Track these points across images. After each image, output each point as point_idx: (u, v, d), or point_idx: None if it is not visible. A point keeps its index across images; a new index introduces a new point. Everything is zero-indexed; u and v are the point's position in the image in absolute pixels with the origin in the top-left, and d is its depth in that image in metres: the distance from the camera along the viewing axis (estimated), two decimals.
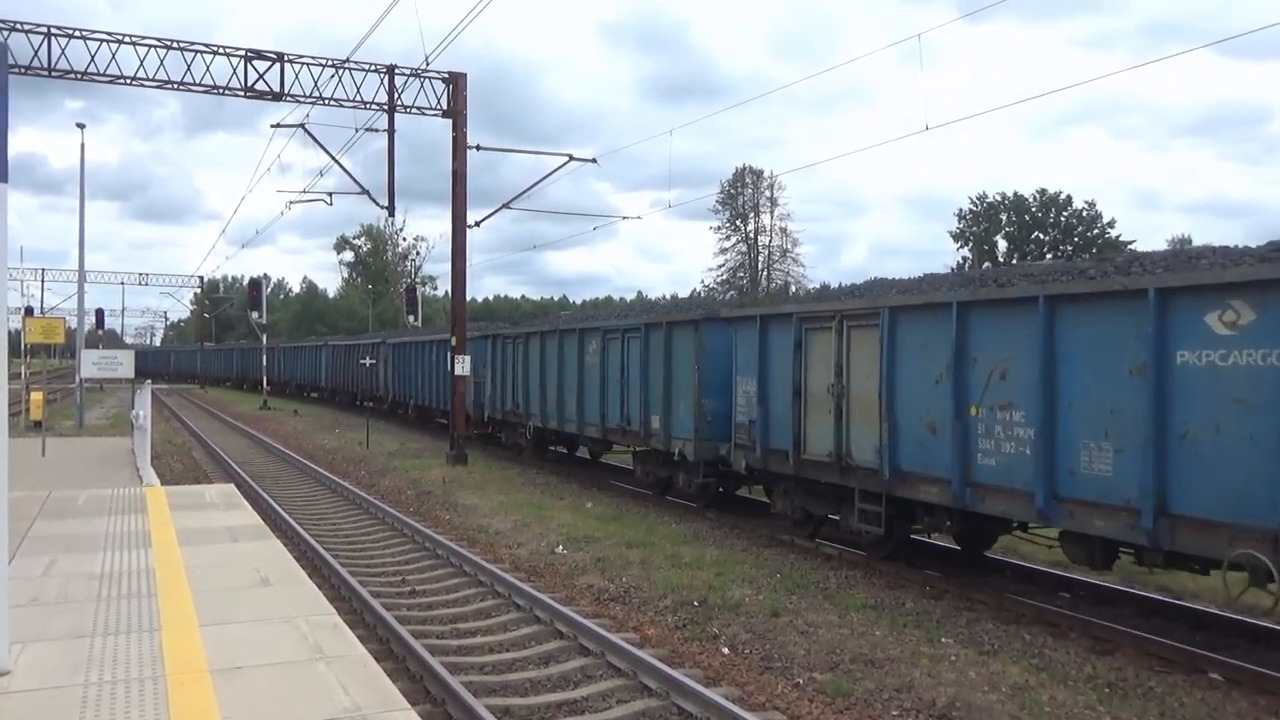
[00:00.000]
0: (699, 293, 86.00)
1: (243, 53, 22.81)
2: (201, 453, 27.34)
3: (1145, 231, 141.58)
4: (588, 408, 19.30)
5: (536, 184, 27.12)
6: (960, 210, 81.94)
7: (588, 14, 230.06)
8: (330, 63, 23.43)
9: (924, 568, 11.92)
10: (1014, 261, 75.61)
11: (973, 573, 11.72)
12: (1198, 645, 8.78)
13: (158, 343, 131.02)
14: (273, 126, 26.63)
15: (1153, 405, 8.30)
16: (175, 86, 22.47)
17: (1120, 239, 74.86)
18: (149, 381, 20.43)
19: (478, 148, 24.70)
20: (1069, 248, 74.73)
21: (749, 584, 11.14)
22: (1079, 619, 9.68)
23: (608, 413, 18.38)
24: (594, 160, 27.24)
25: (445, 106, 24.19)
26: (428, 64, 23.26)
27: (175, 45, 22.29)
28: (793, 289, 74.96)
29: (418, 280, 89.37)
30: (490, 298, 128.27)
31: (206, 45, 22.58)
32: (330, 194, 28.33)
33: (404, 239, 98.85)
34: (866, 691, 7.85)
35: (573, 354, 19.93)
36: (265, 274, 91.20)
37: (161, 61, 22.08)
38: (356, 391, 41.10)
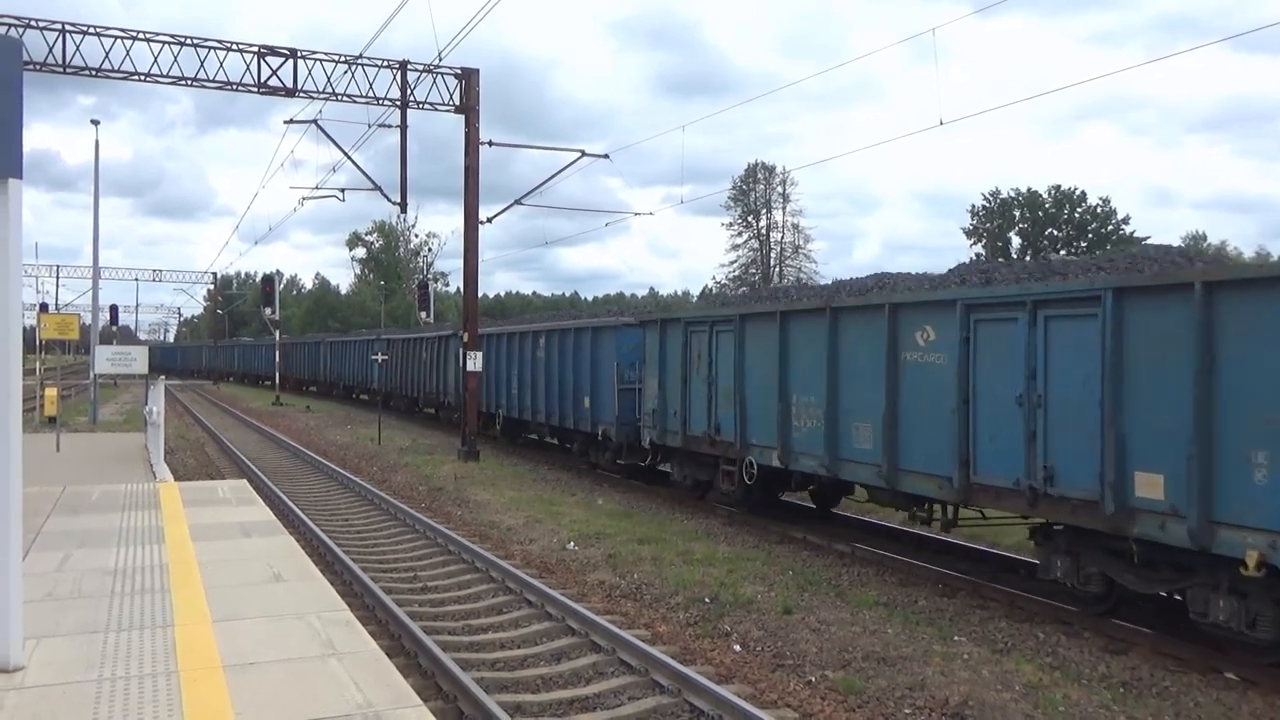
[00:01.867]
0: (711, 289, 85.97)
1: (256, 49, 22.88)
2: (214, 448, 27.45)
3: (1159, 228, 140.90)
4: (911, 443, 11.25)
5: (549, 180, 27.17)
6: (973, 206, 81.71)
7: (599, 11, 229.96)
8: (343, 59, 23.48)
9: None
10: (1027, 259, 75.33)
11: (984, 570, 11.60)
12: (1212, 645, 8.72)
13: (171, 339, 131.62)
14: (285, 123, 26.74)
15: None
16: (189, 83, 22.54)
17: (1135, 235, 74.50)
18: (163, 377, 20.53)
19: (490, 143, 24.72)
20: (1083, 244, 74.35)
21: (761, 581, 11.12)
22: (1093, 618, 9.62)
23: (977, 457, 10.32)
24: (606, 156, 27.33)
25: (458, 102, 24.21)
26: (440, 60, 23.29)
27: (189, 42, 22.36)
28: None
29: (430, 276, 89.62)
30: (502, 294, 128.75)
31: (220, 42, 22.67)
32: (343, 190, 28.44)
33: (416, 235, 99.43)
34: (879, 689, 7.83)
35: (872, 349, 11.79)
36: (278, 270, 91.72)
37: (175, 58, 22.17)
38: (418, 396, 34.22)
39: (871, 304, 12.05)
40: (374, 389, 35.02)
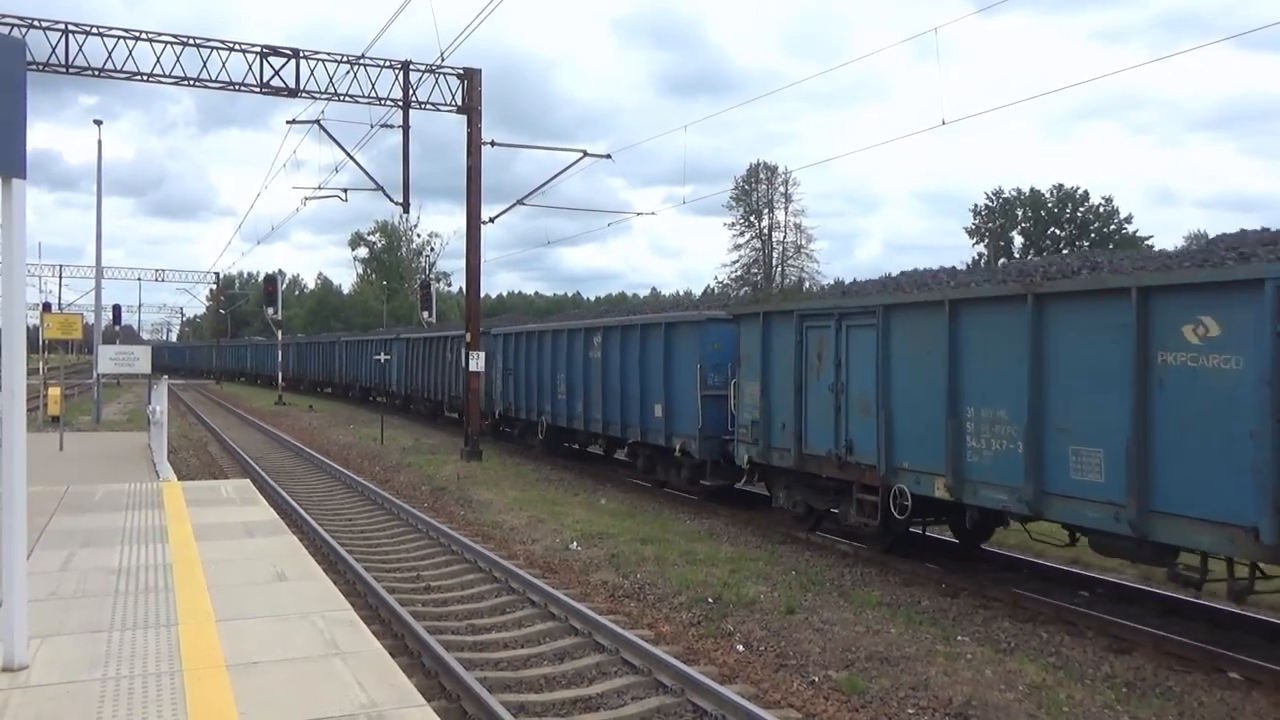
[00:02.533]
0: (713, 289, 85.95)
1: (258, 49, 22.89)
2: (217, 447, 27.47)
3: (1161, 227, 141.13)
4: (1173, 477, 8.36)
5: (551, 180, 27.15)
6: (976, 206, 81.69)
7: (601, 10, 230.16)
8: (345, 59, 23.49)
9: None
10: (1030, 257, 75.31)
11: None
12: (1216, 644, 8.71)
13: (174, 338, 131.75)
14: (288, 123, 26.75)
15: None
16: (191, 83, 22.56)
17: (1137, 234, 74.42)
18: (165, 377, 20.56)
19: (492, 144, 24.70)
20: (1086, 244, 74.29)
21: (764, 581, 11.12)
22: (1096, 617, 9.62)
23: None
24: (608, 156, 27.34)
25: (460, 102, 24.21)
26: (443, 60, 23.30)
27: (191, 42, 22.38)
28: (806, 285, 74.86)
29: (432, 276, 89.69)
30: (504, 294, 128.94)
31: (222, 42, 22.68)
32: (345, 190, 28.48)
33: (418, 235, 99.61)
34: (882, 689, 7.82)
35: (1104, 349, 8.99)
36: (280, 270, 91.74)
37: (178, 58, 22.19)
38: (443, 399, 29.67)
39: (1107, 288, 9.02)
40: (392, 391, 31.68)
